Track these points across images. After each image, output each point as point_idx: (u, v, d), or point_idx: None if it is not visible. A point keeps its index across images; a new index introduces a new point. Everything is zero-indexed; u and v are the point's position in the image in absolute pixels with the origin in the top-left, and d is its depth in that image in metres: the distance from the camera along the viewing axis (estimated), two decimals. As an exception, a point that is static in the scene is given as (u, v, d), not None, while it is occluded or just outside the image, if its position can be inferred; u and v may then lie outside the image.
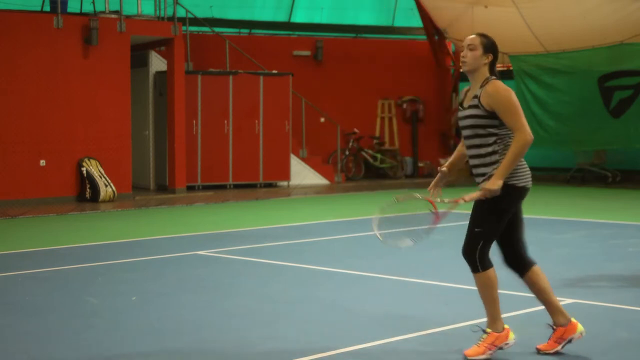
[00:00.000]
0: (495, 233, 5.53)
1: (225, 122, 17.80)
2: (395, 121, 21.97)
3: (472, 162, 5.56)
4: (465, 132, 5.48)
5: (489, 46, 5.41)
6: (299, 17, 21.81)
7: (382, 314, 6.55)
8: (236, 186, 18.07)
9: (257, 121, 18.09)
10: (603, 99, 18.74)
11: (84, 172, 15.42)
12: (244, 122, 17.94)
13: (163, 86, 17.31)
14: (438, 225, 5.68)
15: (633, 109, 18.27)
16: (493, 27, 19.89)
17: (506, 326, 5.47)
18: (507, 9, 19.07)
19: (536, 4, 18.67)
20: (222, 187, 17.92)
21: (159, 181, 17.62)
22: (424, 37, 22.03)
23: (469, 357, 5.35)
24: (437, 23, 21.16)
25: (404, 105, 22.04)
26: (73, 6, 17.17)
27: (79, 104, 15.56)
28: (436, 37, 21.70)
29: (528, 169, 5.56)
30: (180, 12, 17.42)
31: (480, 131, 5.40)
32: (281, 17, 21.66)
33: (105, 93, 15.82)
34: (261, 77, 18.12)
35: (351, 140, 20.63)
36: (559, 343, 5.44)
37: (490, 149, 5.41)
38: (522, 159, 5.45)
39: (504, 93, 5.30)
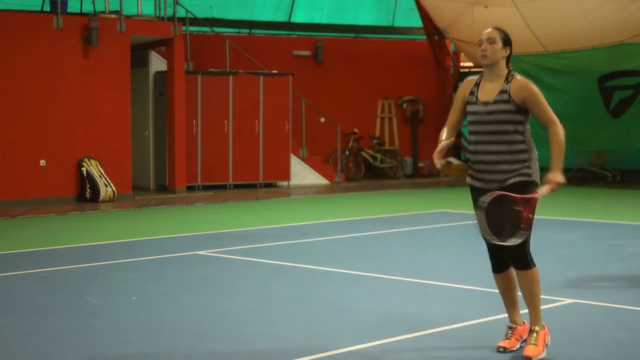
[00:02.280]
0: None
1: (225, 122, 17.80)
2: (395, 121, 21.97)
3: (491, 158, 5.34)
4: (488, 128, 5.33)
5: (507, 40, 5.40)
6: (299, 17, 21.81)
7: (382, 314, 6.55)
8: (236, 186, 18.07)
9: (257, 121, 18.10)
10: (603, 99, 18.74)
11: (84, 172, 15.42)
12: (244, 122, 17.94)
13: (163, 86, 17.31)
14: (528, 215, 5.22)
15: (633, 109, 18.27)
16: (493, 27, 19.92)
17: (543, 323, 5.47)
18: (507, 9, 19.07)
19: (536, 4, 18.68)
20: (222, 187, 17.92)
21: (159, 181, 17.62)
22: (424, 37, 22.03)
23: (535, 358, 5.27)
24: (437, 23, 21.15)
25: (404, 105, 22.05)
26: (73, 6, 17.17)
27: (79, 104, 15.55)
28: (436, 37, 21.71)
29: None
30: (180, 12, 17.42)
31: (510, 127, 5.30)
32: (281, 17, 21.66)
33: (105, 93, 15.82)
34: (261, 77, 18.12)
35: (351, 140, 20.63)
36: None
37: (520, 147, 5.31)
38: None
39: (534, 87, 5.32)
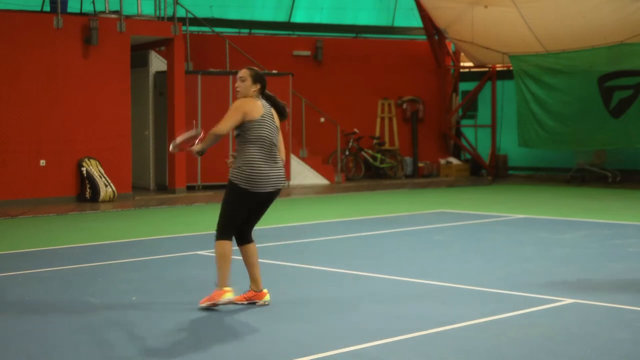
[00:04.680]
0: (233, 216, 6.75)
1: (225, 122, 17.77)
2: (395, 121, 21.97)
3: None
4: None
5: (257, 77, 6.77)
6: (299, 17, 21.82)
7: (382, 314, 6.55)
8: (236, 186, 18.04)
9: (257, 121, 18.07)
10: (603, 99, 18.75)
11: (84, 172, 15.42)
12: (244, 122, 17.92)
13: (163, 86, 17.31)
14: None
15: (633, 109, 18.28)
16: (493, 27, 19.94)
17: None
18: (507, 9, 19.08)
19: (536, 4, 18.68)
20: (222, 187, 17.86)
21: (159, 181, 17.62)
22: (424, 37, 22.04)
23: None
24: (437, 23, 21.16)
25: (404, 105, 22.05)
26: (73, 6, 17.17)
27: (79, 104, 15.56)
28: (436, 37, 21.71)
29: (262, 179, 6.71)
30: (180, 12, 17.43)
31: (239, 141, 6.77)
32: (281, 17, 21.66)
33: (105, 93, 15.83)
34: (261, 77, 18.08)
35: (351, 140, 20.64)
36: (247, 300, 6.87)
37: (241, 156, 6.75)
38: (261, 170, 6.68)
39: (235, 102, 6.71)
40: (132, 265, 8.92)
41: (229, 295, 6.66)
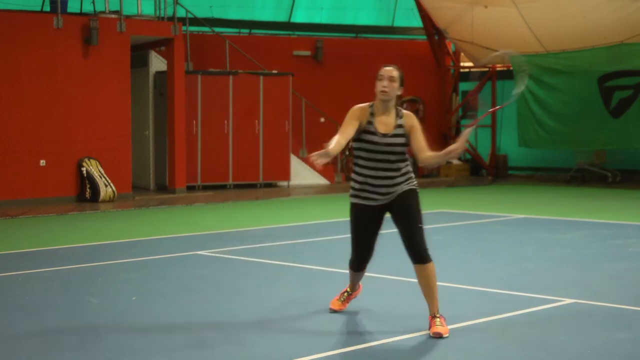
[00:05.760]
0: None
1: (225, 122, 17.80)
2: (395, 121, 21.96)
3: (386, 182, 6.23)
4: (385, 157, 6.21)
5: (403, 80, 6.21)
6: (299, 17, 21.82)
7: (382, 313, 6.55)
8: (236, 186, 18.07)
9: (257, 121, 18.10)
10: (603, 99, 18.74)
11: (84, 172, 15.42)
12: (244, 122, 17.95)
13: (163, 86, 17.31)
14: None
15: (633, 109, 18.28)
16: (493, 27, 19.93)
17: None
18: (507, 9, 19.07)
19: (536, 4, 18.68)
20: (222, 187, 17.92)
21: (159, 181, 17.62)
22: (424, 37, 22.03)
23: (445, 335, 5.79)
24: (437, 23, 21.16)
25: (404, 105, 22.02)
26: (73, 6, 17.18)
27: (79, 104, 15.56)
28: (436, 37, 21.71)
29: None
30: (180, 12, 17.43)
31: (403, 157, 6.29)
32: (281, 17, 21.67)
33: (105, 93, 15.83)
34: (261, 77, 18.12)
35: (351, 140, 20.61)
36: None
37: (407, 167, 6.33)
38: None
39: (417, 119, 6.34)
40: (132, 265, 8.92)
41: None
